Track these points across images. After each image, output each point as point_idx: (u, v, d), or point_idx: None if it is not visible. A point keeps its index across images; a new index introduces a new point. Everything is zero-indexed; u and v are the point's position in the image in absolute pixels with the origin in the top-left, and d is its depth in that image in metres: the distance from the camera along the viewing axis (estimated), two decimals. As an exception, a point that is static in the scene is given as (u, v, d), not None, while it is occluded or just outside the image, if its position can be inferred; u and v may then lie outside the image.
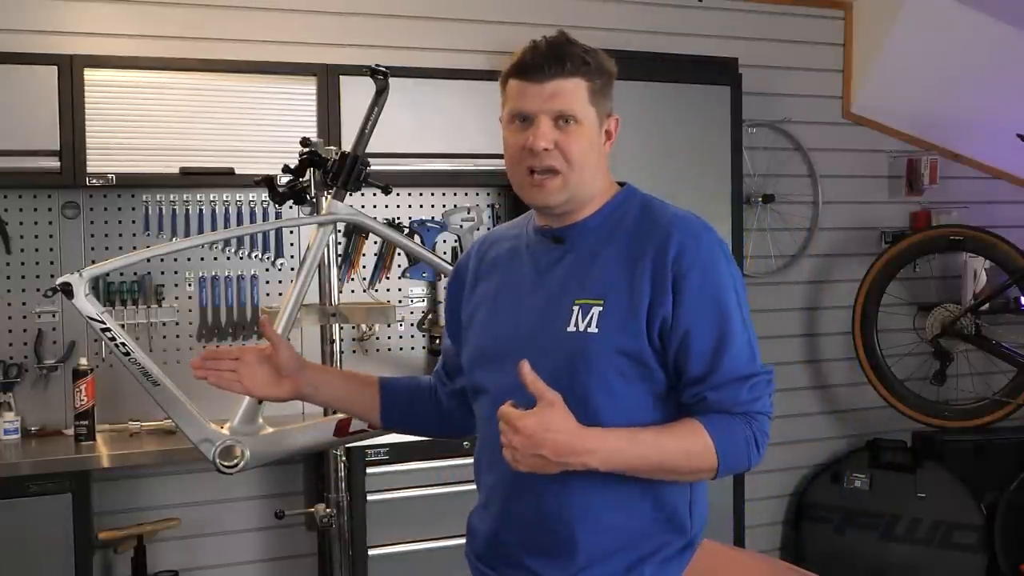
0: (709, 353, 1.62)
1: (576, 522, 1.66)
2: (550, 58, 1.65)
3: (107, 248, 3.59)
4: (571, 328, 1.65)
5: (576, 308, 1.66)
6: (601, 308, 1.64)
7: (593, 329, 1.64)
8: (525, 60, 1.67)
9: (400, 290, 3.99)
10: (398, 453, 3.44)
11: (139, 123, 3.40)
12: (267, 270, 3.80)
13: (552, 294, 1.70)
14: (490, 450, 1.73)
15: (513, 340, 1.71)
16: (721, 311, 1.63)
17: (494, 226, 4.05)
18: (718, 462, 1.61)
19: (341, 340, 3.16)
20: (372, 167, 2.99)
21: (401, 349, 4.00)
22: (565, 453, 1.54)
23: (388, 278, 3.95)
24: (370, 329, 3.91)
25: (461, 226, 3.98)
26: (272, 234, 3.76)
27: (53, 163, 3.30)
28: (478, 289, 1.84)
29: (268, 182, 2.98)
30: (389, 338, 3.99)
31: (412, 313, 4.01)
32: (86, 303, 2.68)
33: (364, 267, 3.87)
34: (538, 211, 1.77)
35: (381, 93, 2.90)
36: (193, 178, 3.49)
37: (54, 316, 3.54)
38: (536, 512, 1.69)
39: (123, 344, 2.72)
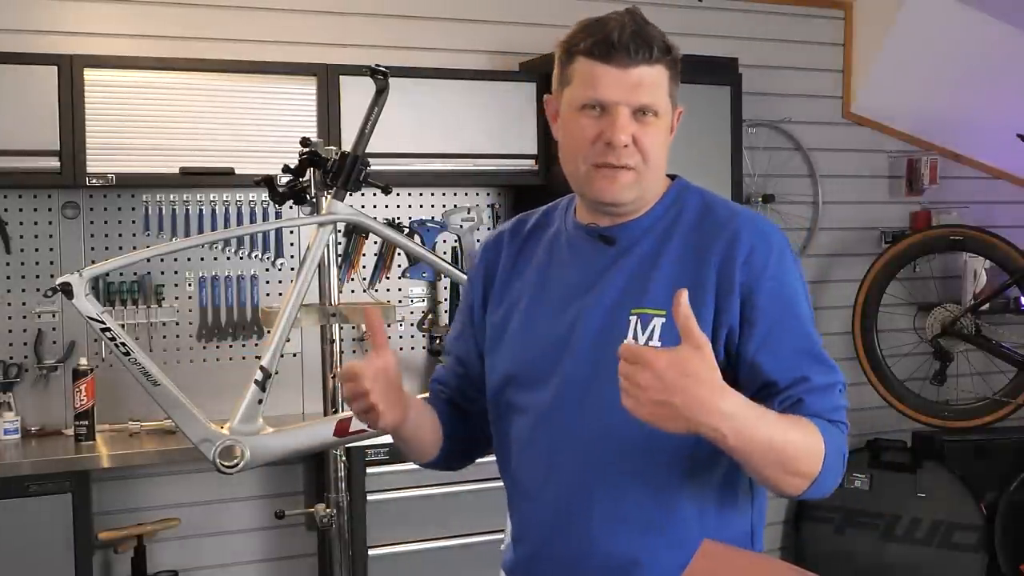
0: (794, 359, 1.45)
1: (632, 566, 1.46)
2: (639, 40, 1.45)
3: (107, 248, 3.59)
4: (630, 340, 1.46)
5: (634, 319, 1.47)
6: (664, 320, 1.45)
7: (655, 343, 1.45)
8: (609, 39, 1.45)
9: (400, 290, 3.99)
10: (398, 453, 3.40)
11: (139, 123, 3.40)
12: (267, 270, 3.80)
13: (605, 303, 1.50)
14: (526, 481, 1.56)
15: (561, 355, 1.51)
16: (798, 315, 1.48)
17: (494, 226, 4.05)
18: (821, 468, 1.39)
19: (341, 340, 3.16)
20: (372, 167, 2.99)
21: (401, 349, 4.00)
22: (698, 409, 1.27)
23: (388, 278, 3.95)
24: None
25: (461, 226, 3.98)
26: (272, 234, 3.76)
27: (53, 163, 3.30)
28: (512, 287, 1.63)
29: (268, 182, 2.98)
30: (389, 338, 3.96)
31: (412, 313, 4.01)
32: (86, 303, 2.69)
33: (364, 267, 3.87)
34: (591, 205, 1.56)
35: (381, 93, 2.90)
36: (193, 178, 3.49)
37: (54, 316, 3.54)
38: (585, 551, 1.49)
39: (123, 344, 2.73)
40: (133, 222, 3.63)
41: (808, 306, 1.51)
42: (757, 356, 1.45)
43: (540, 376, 1.53)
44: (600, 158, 1.47)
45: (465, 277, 3.18)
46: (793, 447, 1.37)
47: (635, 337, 1.46)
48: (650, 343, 1.45)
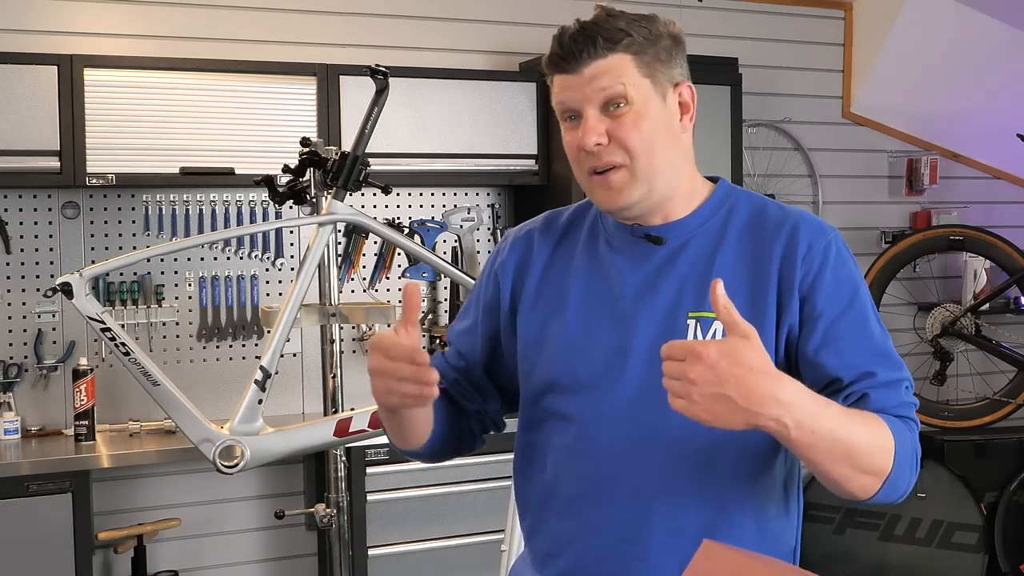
0: (858, 356, 1.39)
1: None
2: (581, 40, 1.41)
3: (107, 248, 3.59)
4: None
5: (692, 323, 1.41)
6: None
7: None
8: (556, 49, 1.44)
9: (400, 290, 3.99)
10: (398, 453, 3.43)
11: (139, 123, 3.40)
12: (267, 270, 3.80)
13: (660, 305, 1.43)
14: (567, 490, 1.47)
15: (618, 359, 1.44)
16: (861, 310, 1.42)
17: (494, 226, 4.05)
18: (892, 466, 1.34)
19: (341, 340, 3.16)
20: (372, 167, 2.99)
21: (401, 349, 3.99)
22: (757, 399, 1.20)
23: (388, 278, 3.95)
24: (370, 329, 3.91)
25: (461, 226, 3.98)
26: (272, 234, 3.76)
27: (53, 163, 3.30)
28: (550, 286, 1.54)
29: (268, 182, 2.98)
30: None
31: (412, 313, 4.00)
32: (86, 303, 2.69)
33: (364, 267, 3.87)
34: (614, 214, 1.49)
35: (381, 93, 2.90)
36: (193, 178, 3.49)
37: (54, 316, 3.54)
38: (638, 567, 1.42)
39: (123, 344, 2.73)
40: (133, 222, 3.63)
41: (870, 301, 1.45)
42: (820, 354, 1.40)
43: (592, 383, 1.45)
44: (587, 164, 1.43)
45: (465, 277, 3.19)
46: (860, 441, 1.30)
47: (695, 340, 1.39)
48: None
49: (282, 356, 2.90)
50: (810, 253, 1.42)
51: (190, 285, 3.71)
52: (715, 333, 1.39)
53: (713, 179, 1.55)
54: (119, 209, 3.62)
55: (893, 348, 1.44)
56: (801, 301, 1.41)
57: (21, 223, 3.52)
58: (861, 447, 1.30)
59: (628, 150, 1.40)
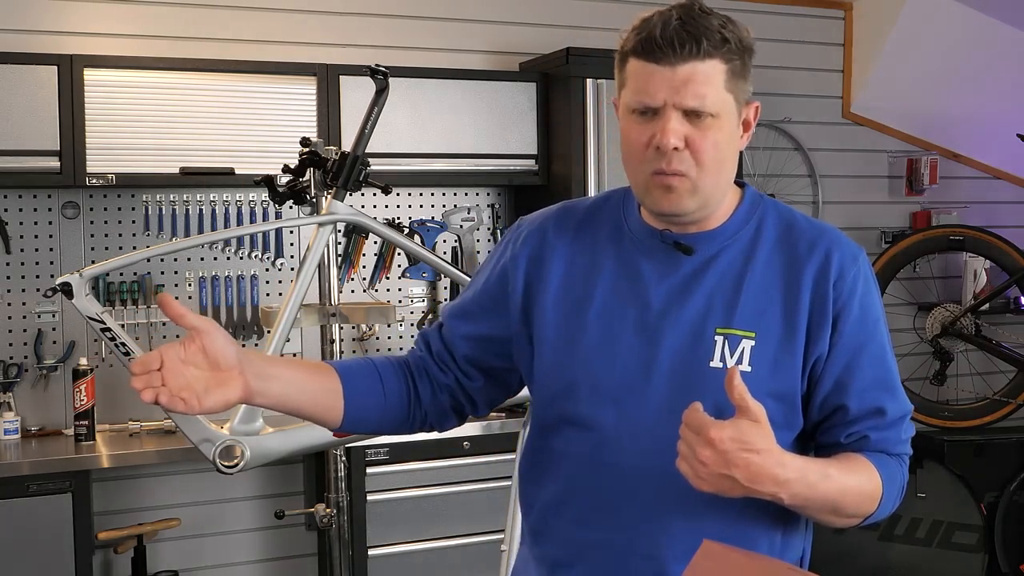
0: (872, 392, 1.41)
1: None
2: (684, 35, 1.34)
3: (107, 248, 3.59)
4: (715, 363, 1.38)
5: (720, 339, 1.39)
6: (753, 343, 1.38)
7: (745, 367, 1.37)
8: (653, 36, 1.34)
9: (400, 290, 3.99)
10: (398, 453, 3.44)
11: (139, 123, 3.40)
12: (267, 270, 3.80)
13: (687, 319, 1.41)
14: (582, 499, 1.45)
15: (641, 371, 1.41)
16: (880, 344, 1.43)
17: (494, 226, 4.05)
18: (876, 508, 1.41)
19: (341, 340, 3.16)
20: (372, 167, 2.99)
21: (401, 349, 4.00)
22: (759, 480, 1.25)
23: (388, 278, 3.95)
24: (370, 329, 3.91)
25: (461, 226, 3.98)
26: (272, 234, 3.76)
27: (53, 163, 3.30)
28: (574, 287, 1.49)
29: (268, 182, 2.98)
30: (389, 338, 3.98)
31: (412, 313, 4.01)
32: (86, 303, 2.69)
33: (364, 267, 3.87)
34: (660, 217, 1.45)
35: (381, 93, 2.90)
36: (193, 178, 3.49)
37: (54, 316, 3.54)
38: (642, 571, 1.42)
39: (123, 344, 2.73)
40: (133, 222, 3.63)
41: (887, 332, 1.46)
42: (837, 382, 1.41)
43: (614, 394, 1.42)
44: (653, 164, 1.37)
45: (465, 277, 3.18)
46: (850, 497, 1.38)
47: (722, 359, 1.38)
48: (739, 366, 1.37)
49: (282, 356, 2.89)
50: (841, 280, 1.40)
51: (190, 285, 3.71)
52: (743, 352, 1.38)
53: (740, 184, 1.50)
54: (119, 209, 3.62)
55: (899, 382, 1.46)
56: (832, 329, 1.40)
57: (21, 223, 3.52)
58: (849, 502, 1.38)
59: (700, 163, 1.36)
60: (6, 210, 3.50)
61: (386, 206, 3.93)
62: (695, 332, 1.40)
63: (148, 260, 3.53)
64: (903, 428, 1.45)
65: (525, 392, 1.60)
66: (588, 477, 1.44)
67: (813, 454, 1.46)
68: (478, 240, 4.03)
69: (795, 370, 1.39)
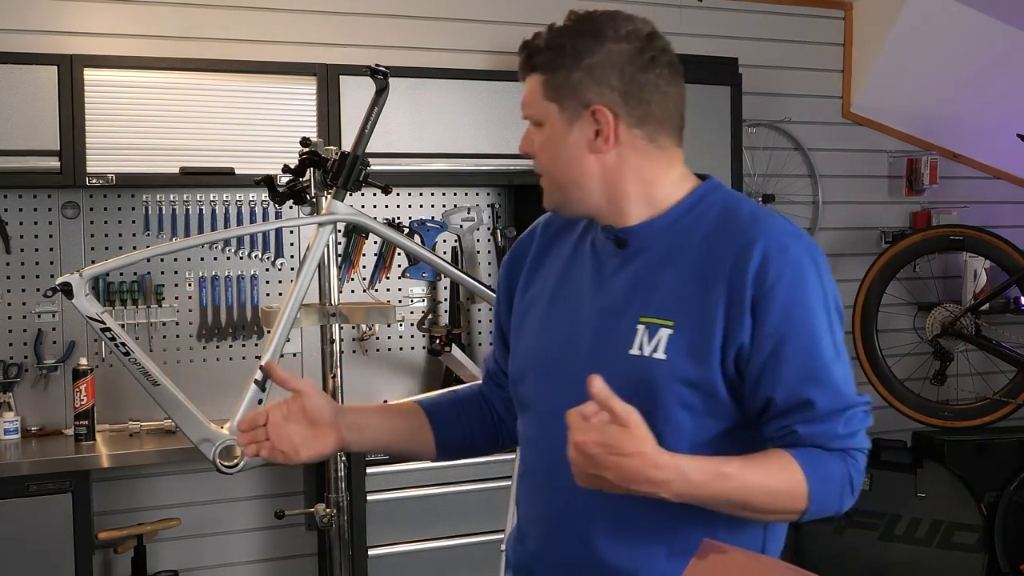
0: (798, 384, 1.40)
1: (630, 574, 1.45)
2: (521, 55, 1.51)
3: (107, 248, 3.59)
4: (634, 351, 1.43)
5: (641, 327, 1.44)
6: (671, 331, 1.42)
7: (660, 355, 1.42)
8: None
9: (400, 290, 3.99)
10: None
11: (139, 123, 3.40)
12: (267, 270, 3.80)
13: (613, 307, 1.48)
14: (531, 477, 1.57)
15: (567, 354, 1.50)
16: (810, 335, 1.41)
17: (494, 226, 4.05)
18: (807, 504, 1.40)
19: (341, 340, 3.16)
20: (372, 167, 2.99)
21: (401, 349, 4.00)
22: (632, 481, 1.31)
23: (388, 278, 3.95)
24: (370, 329, 3.91)
25: (461, 226, 3.98)
26: (272, 234, 3.76)
27: (53, 163, 3.30)
28: (536, 279, 1.61)
29: (268, 182, 2.97)
30: (389, 338, 3.98)
31: (412, 313, 4.01)
32: (86, 303, 2.68)
33: (364, 267, 3.87)
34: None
35: (381, 93, 2.90)
36: (193, 178, 3.49)
37: (54, 316, 3.54)
38: (584, 557, 1.48)
39: (123, 344, 2.73)
40: (133, 222, 3.63)
41: (828, 324, 1.44)
42: (761, 376, 1.41)
43: (548, 375, 1.53)
44: None
45: (465, 277, 3.19)
46: (760, 495, 1.38)
47: (640, 347, 1.43)
48: (655, 354, 1.42)
49: (282, 356, 2.89)
50: (762, 270, 1.40)
51: (190, 285, 3.71)
52: (660, 340, 1.42)
53: (704, 178, 1.55)
54: (119, 209, 3.62)
55: (844, 376, 1.44)
56: (752, 322, 1.40)
57: (21, 223, 3.52)
58: (759, 500, 1.38)
59: (539, 165, 1.51)
60: (6, 210, 3.50)
61: (386, 206, 3.93)
62: (620, 320, 1.46)
63: (148, 260, 3.53)
64: (841, 422, 1.41)
65: None
66: (534, 456, 1.57)
67: (772, 446, 1.45)
68: (478, 240, 4.03)
69: (712, 359, 1.41)
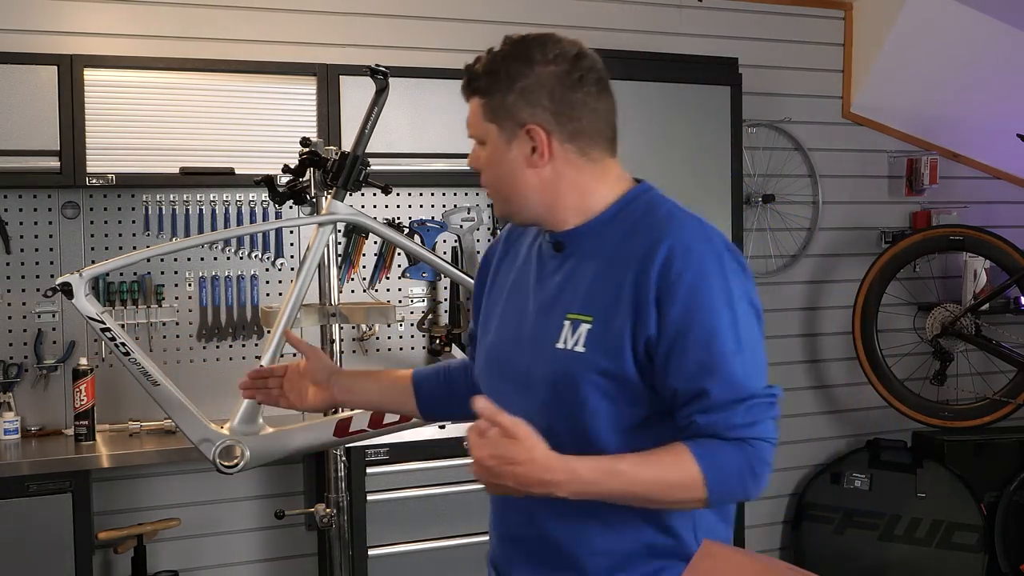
0: (695, 375, 1.49)
1: (569, 545, 1.60)
2: (463, 80, 1.66)
3: (107, 248, 3.59)
4: (560, 344, 1.57)
5: (567, 323, 1.57)
6: (590, 326, 1.55)
7: (580, 348, 1.55)
8: None
9: (400, 290, 3.99)
10: (398, 453, 3.44)
11: (139, 123, 3.40)
12: (267, 270, 3.80)
13: (548, 304, 1.62)
14: None
15: (513, 350, 1.65)
16: (708, 330, 1.49)
17: (494, 226, 4.05)
18: (707, 493, 1.48)
19: (341, 340, 3.16)
20: (372, 167, 2.99)
21: (401, 349, 4.00)
22: (528, 485, 1.45)
23: (388, 278, 3.95)
24: (370, 329, 3.91)
25: (461, 226, 3.98)
26: (272, 234, 3.76)
27: (53, 163, 3.30)
28: (497, 282, 1.76)
29: (268, 182, 2.98)
30: (389, 338, 3.98)
31: (412, 313, 4.01)
32: (86, 303, 2.68)
33: (364, 267, 3.87)
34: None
35: (381, 93, 2.90)
36: (193, 178, 3.49)
37: (54, 316, 3.54)
38: (529, 531, 1.65)
39: (123, 344, 2.73)
40: (133, 222, 3.63)
41: (732, 320, 1.51)
42: (666, 367, 1.51)
43: (501, 371, 1.68)
44: None
45: (465, 277, 3.20)
46: (653, 489, 1.49)
47: (564, 341, 1.56)
48: (576, 347, 1.55)
49: (282, 356, 2.89)
50: (666, 267, 1.50)
51: (190, 285, 3.71)
52: (581, 333, 1.55)
53: (639, 182, 1.67)
54: (119, 209, 3.62)
55: (746, 369, 1.50)
56: (657, 312, 1.51)
57: (21, 223, 3.52)
58: (656, 492, 1.49)
59: (484, 181, 1.65)
60: (6, 210, 3.50)
61: (386, 206, 3.93)
62: (551, 317, 1.60)
63: (148, 260, 3.53)
64: (738, 412, 1.49)
65: None
66: None
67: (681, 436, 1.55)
68: (478, 240, 4.03)
69: (623, 351, 1.52)
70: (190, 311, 3.71)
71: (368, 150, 2.96)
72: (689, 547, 1.58)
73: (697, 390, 1.49)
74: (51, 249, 3.55)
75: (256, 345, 3.76)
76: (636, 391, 1.54)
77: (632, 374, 1.53)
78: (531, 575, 1.67)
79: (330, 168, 2.94)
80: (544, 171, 1.59)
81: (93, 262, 3.47)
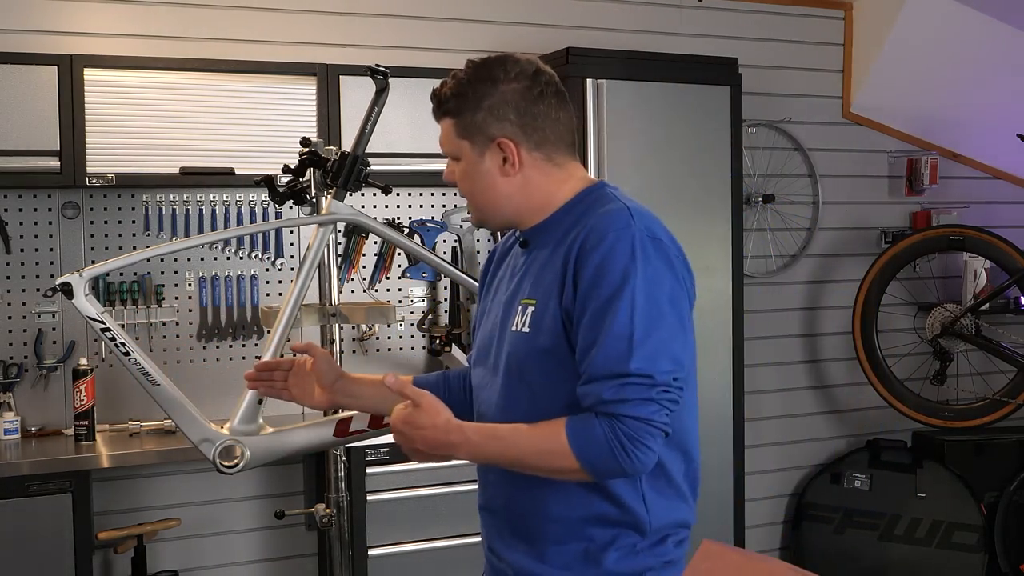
0: (584, 349, 1.61)
1: (531, 513, 1.74)
2: (432, 101, 1.80)
3: (107, 248, 3.59)
4: (514, 327, 1.74)
5: (520, 307, 1.74)
6: (534, 307, 1.71)
7: (525, 329, 1.71)
8: None
9: (400, 290, 3.99)
10: (398, 453, 3.42)
11: (139, 123, 3.41)
12: (267, 270, 3.80)
13: (512, 295, 1.78)
14: None
15: (488, 341, 1.82)
16: (601, 309, 1.59)
17: (494, 226, 4.05)
18: (578, 462, 1.59)
19: (341, 340, 3.16)
20: (372, 167, 2.99)
21: (401, 349, 4.00)
22: (435, 447, 1.64)
23: (388, 278, 3.95)
24: (370, 329, 3.91)
25: (461, 226, 3.98)
26: (272, 234, 3.76)
27: (53, 163, 3.30)
28: (492, 283, 1.91)
29: (268, 182, 2.97)
30: (389, 338, 3.98)
31: (412, 313, 4.01)
32: (86, 303, 2.68)
33: (364, 267, 3.87)
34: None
35: (381, 93, 2.90)
36: (193, 178, 3.49)
37: (54, 316, 3.54)
38: (497, 501, 1.81)
39: (123, 344, 2.72)
40: (133, 222, 3.63)
41: (631, 302, 1.58)
42: (573, 336, 1.65)
43: (483, 360, 1.84)
44: None
45: (465, 277, 3.20)
46: (529, 453, 1.64)
47: (516, 324, 1.73)
48: (523, 328, 1.71)
49: (282, 356, 2.89)
50: (583, 250, 1.64)
51: (190, 285, 3.71)
52: (528, 315, 1.71)
53: (596, 182, 1.81)
54: (119, 209, 3.62)
55: (629, 348, 1.58)
56: (573, 289, 1.65)
57: (21, 223, 3.52)
58: (529, 457, 1.64)
59: (461, 191, 1.80)
60: (6, 210, 3.50)
61: (386, 206, 3.93)
62: (512, 304, 1.77)
63: (148, 260, 3.53)
64: (608, 388, 1.57)
65: None
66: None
67: None
68: (478, 240, 4.03)
69: (557, 328, 1.66)
70: (190, 311, 3.71)
71: (368, 150, 2.96)
72: (640, 517, 1.68)
73: (582, 363, 1.62)
74: (51, 249, 3.55)
75: (256, 345, 3.76)
76: (574, 366, 1.65)
77: (566, 350, 1.66)
78: (505, 543, 1.81)
79: (330, 168, 2.94)
80: (516, 179, 1.75)
81: (93, 262, 3.47)
